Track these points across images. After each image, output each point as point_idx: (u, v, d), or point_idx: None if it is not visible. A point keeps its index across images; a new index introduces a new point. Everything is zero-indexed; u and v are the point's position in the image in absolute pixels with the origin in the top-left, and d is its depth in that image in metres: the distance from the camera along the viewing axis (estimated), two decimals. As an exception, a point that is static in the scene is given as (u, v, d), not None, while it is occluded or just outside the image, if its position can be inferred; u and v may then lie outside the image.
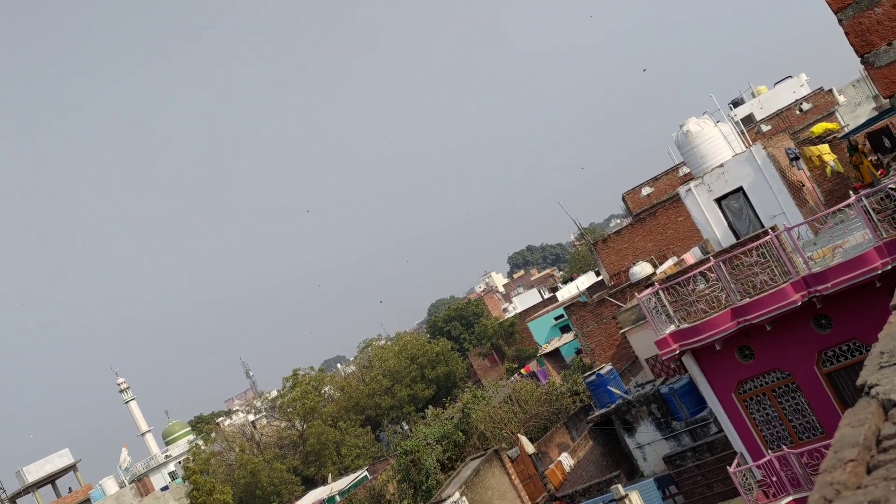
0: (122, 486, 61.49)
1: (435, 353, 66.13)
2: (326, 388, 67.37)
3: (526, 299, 79.24)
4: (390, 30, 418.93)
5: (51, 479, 61.81)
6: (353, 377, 71.39)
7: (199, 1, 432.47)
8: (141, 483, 70.78)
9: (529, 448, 28.83)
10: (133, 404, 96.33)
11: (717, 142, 22.50)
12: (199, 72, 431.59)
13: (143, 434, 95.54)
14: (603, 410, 25.77)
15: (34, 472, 58.76)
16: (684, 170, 41.62)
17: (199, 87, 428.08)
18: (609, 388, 25.72)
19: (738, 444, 17.30)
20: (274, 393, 70.93)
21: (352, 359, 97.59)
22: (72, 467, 60.98)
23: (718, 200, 21.46)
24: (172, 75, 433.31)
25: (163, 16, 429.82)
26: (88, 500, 55.69)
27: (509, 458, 26.91)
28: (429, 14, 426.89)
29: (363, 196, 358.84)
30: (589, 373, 27.89)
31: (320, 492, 47.04)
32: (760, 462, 16.39)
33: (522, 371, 55.20)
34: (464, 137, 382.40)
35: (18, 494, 58.42)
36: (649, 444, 24.41)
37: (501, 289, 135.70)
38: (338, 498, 42.57)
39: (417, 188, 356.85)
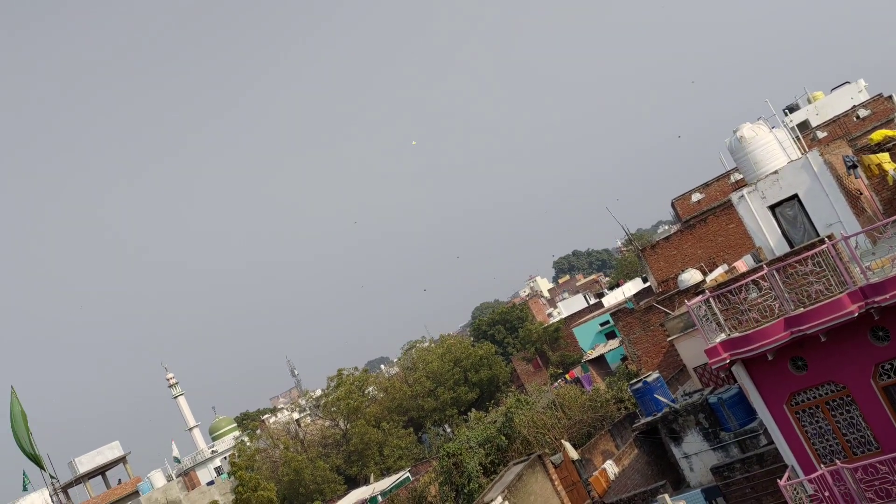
0: (169, 479, 62.77)
1: (478, 356, 66.05)
2: (370, 389, 67.78)
3: (571, 305, 78.67)
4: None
5: (101, 471, 63.41)
6: (397, 378, 71.66)
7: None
8: (188, 477, 72.18)
9: (573, 454, 28.60)
10: (182, 399, 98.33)
11: (772, 148, 22.07)
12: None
13: (190, 429, 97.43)
14: (649, 418, 25.47)
15: (86, 463, 60.33)
16: (736, 176, 40.94)
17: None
18: (656, 395, 25.40)
19: (789, 457, 16.92)
20: (318, 392, 71.68)
21: (395, 360, 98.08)
22: (121, 459, 62.47)
23: (772, 208, 21.03)
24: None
25: None
26: (137, 492, 56.97)
27: (553, 463, 26.73)
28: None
29: (407, 201, 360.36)
30: (635, 380, 27.57)
31: (362, 491, 47.32)
32: (812, 476, 15.99)
33: (567, 377, 54.82)
34: (511, 142, 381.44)
35: (70, 484, 59.98)
36: (696, 455, 24.03)
37: (546, 293, 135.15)
38: (380, 498, 42.75)
39: (462, 191, 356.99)
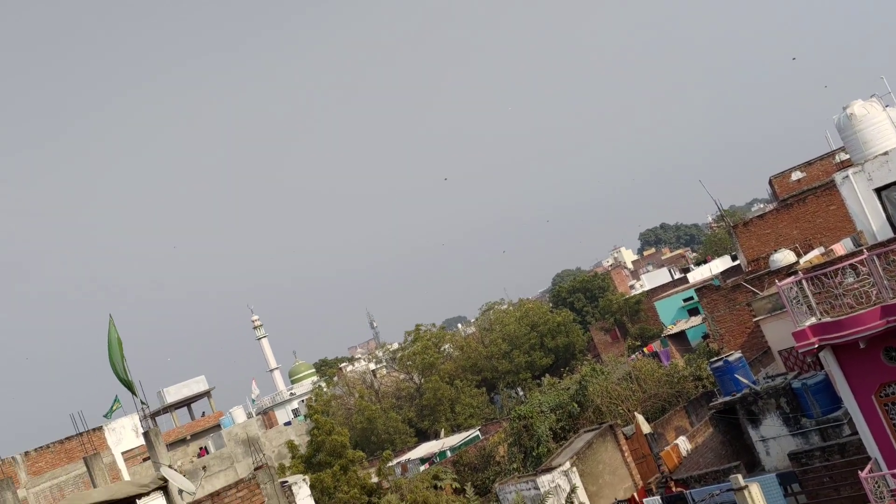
0: (249, 416, 65.33)
1: (556, 322, 65.83)
2: (446, 346, 68.57)
3: (655, 278, 77.19)
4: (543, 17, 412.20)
5: (187, 403, 66.62)
6: (473, 338, 72.20)
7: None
8: (266, 416, 75.13)
9: (646, 427, 28.35)
10: (265, 342, 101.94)
11: (884, 127, 20.89)
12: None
13: (271, 370, 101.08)
14: (727, 398, 24.95)
15: (173, 394, 63.46)
16: (842, 156, 39.09)
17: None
18: (736, 375, 24.82)
19: (873, 448, 16.36)
20: (395, 345, 72.95)
21: (472, 320, 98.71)
22: (206, 394, 65.44)
23: (879, 191, 19.99)
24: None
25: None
26: (219, 425, 59.63)
27: (624, 434, 26.59)
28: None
29: (497, 166, 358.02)
30: (716, 358, 26.99)
31: (432, 445, 48.22)
32: (897, 471, 15.46)
33: (645, 350, 54.05)
34: (607, 110, 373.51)
35: (158, 413, 63.26)
36: (774, 439, 23.45)
37: (630, 265, 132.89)
38: (448, 453, 43.51)
39: (555, 158, 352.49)
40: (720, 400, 25.56)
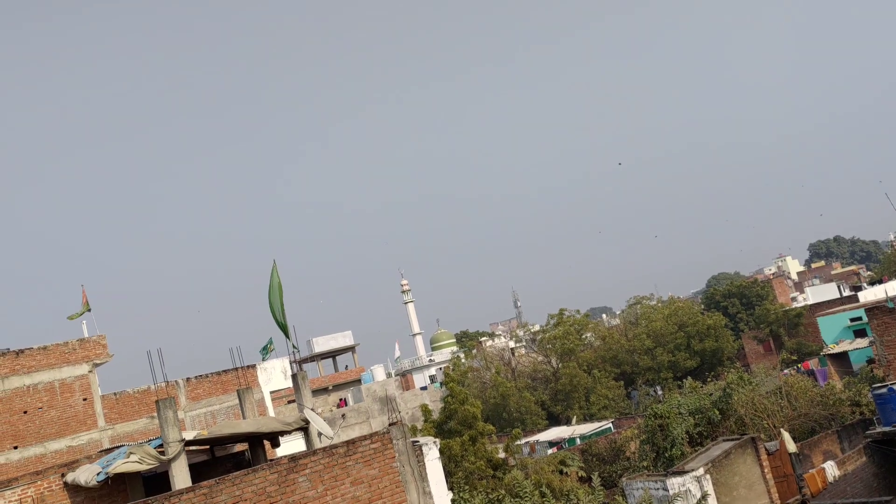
0: (388, 376, 67.70)
1: (706, 325, 63.37)
2: (588, 335, 67.76)
3: (820, 292, 72.45)
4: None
5: (332, 355, 69.81)
6: (616, 330, 70.90)
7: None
8: (404, 378, 77.42)
9: (791, 446, 26.87)
10: (411, 306, 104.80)
11: None
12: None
13: (414, 335, 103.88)
14: (887, 428, 23.22)
15: (321, 345, 66.68)
16: None
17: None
18: (901, 406, 23.05)
19: None
20: (537, 327, 72.87)
21: (618, 312, 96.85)
22: (351, 348, 68.26)
23: None
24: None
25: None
26: (359, 380, 62.14)
27: (766, 450, 25.33)
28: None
29: (669, 155, 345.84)
30: (880, 385, 25.11)
31: (562, 430, 48.01)
32: None
33: (800, 366, 51.05)
34: (789, 106, 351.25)
35: (305, 360, 66.72)
36: (936, 480, 21.64)
37: (794, 276, 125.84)
38: (578, 441, 43.18)
39: (725, 155, 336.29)
40: (879, 429, 23.83)
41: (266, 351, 32.72)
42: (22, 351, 26.26)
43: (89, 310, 29.25)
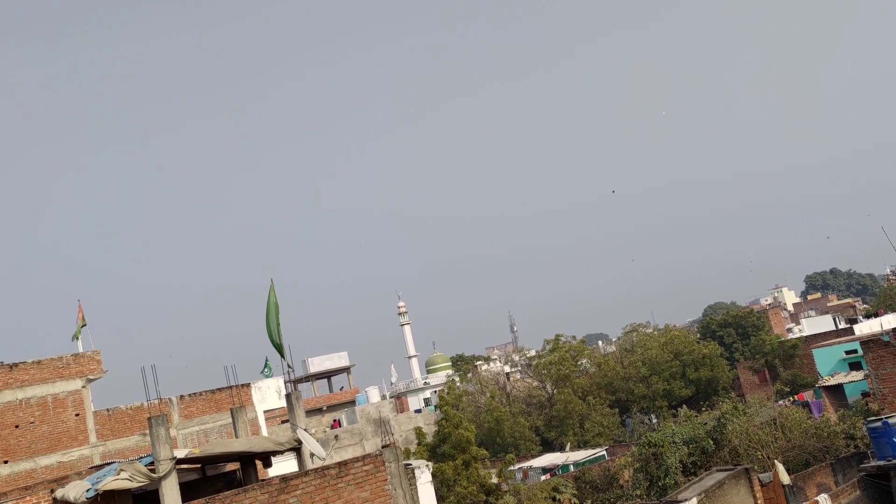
0: (383, 398, 67.42)
1: (702, 354, 63.28)
2: (583, 361, 67.60)
3: (816, 324, 72.51)
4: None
5: (327, 375, 69.58)
6: (612, 357, 70.76)
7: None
8: (398, 400, 77.13)
9: (785, 478, 26.80)
10: (407, 329, 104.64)
11: None
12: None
13: (409, 357, 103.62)
14: (881, 462, 23.19)
15: (316, 365, 66.48)
16: None
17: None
18: (895, 440, 23.01)
19: None
20: (532, 352, 72.74)
21: (614, 339, 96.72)
22: (346, 369, 68.06)
23: None
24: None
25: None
26: (354, 401, 61.89)
27: (760, 481, 25.26)
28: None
29: (662, 186, 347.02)
30: (874, 418, 25.09)
31: (556, 456, 47.79)
32: None
33: (795, 397, 50.93)
34: (785, 138, 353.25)
35: (300, 380, 66.47)
36: (929, 515, 21.57)
37: (790, 307, 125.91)
38: (571, 467, 42.98)
39: (720, 188, 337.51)
40: (873, 463, 23.80)
41: (269, 370, 32.65)
42: (16, 364, 26.17)
43: (85, 324, 29.21)
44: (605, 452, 46.44)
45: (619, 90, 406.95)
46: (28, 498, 14.52)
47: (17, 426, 25.55)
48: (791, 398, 50.79)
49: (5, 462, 25.06)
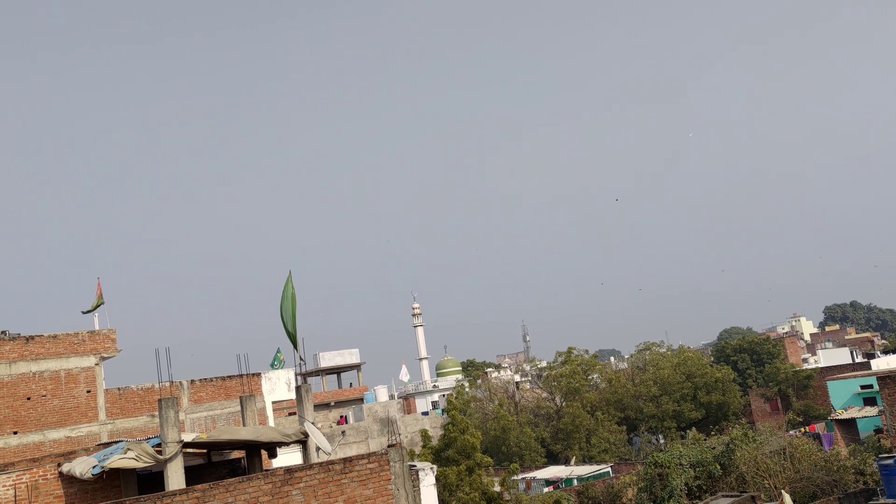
0: (391, 397, 67.38)
1: (714, 378, 62.79)
2: (594, 376, 67.31)
3: (832, 356, 71.71)
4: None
5: (337, 371, 69.74)
6: (623, 374, 70.37)
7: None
8: (406, 402, 77.10)
9: (791, 509, 26.47)
10: (420, 330, 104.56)
11: None
12: None
13: (420, 359, 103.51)
14: (891, 500, 22.84)
15: (327, 360, 66.65)
16: None
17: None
18: (906, 479, 22.67)
19: None
20: (544, 363, 72.49)
21: (626, 356, 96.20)
22: (357, 366, 68.19)
23: None
24: None
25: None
26: (362, 399, 61.95)
27: (765, 510, 24.97)
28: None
29: (691, 209, 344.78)
30: (886, 455, 24.74)
31: (560, 469, 47.52)
32: None
33: (806, 428, 50.35)
34: (819, 167, 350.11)
35: (310, 374, 66.68)
36: (936, 558, 21.21)
37: (807, 337, 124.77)
38: (575, 482, 42.73)
39: (742, 213, 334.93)
40: (882, 501, 23.46)
41: (280, 361, 32.75)
42: (32, 337, 26.45)
43: (103, 303, 29.46)
44: (609, 469, 46.13)
45: (649, 110, 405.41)
46: (35, 470, 14.63)
47: (28, 398, 25.80)
48: (802, 429, 50.20)
49: (15, 433, 25.31)
